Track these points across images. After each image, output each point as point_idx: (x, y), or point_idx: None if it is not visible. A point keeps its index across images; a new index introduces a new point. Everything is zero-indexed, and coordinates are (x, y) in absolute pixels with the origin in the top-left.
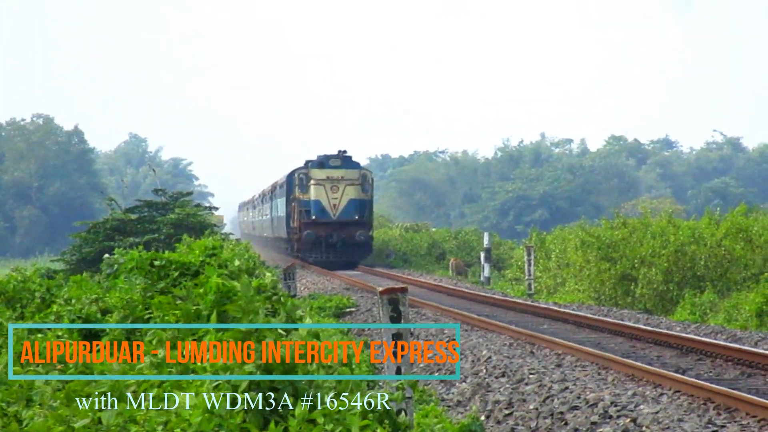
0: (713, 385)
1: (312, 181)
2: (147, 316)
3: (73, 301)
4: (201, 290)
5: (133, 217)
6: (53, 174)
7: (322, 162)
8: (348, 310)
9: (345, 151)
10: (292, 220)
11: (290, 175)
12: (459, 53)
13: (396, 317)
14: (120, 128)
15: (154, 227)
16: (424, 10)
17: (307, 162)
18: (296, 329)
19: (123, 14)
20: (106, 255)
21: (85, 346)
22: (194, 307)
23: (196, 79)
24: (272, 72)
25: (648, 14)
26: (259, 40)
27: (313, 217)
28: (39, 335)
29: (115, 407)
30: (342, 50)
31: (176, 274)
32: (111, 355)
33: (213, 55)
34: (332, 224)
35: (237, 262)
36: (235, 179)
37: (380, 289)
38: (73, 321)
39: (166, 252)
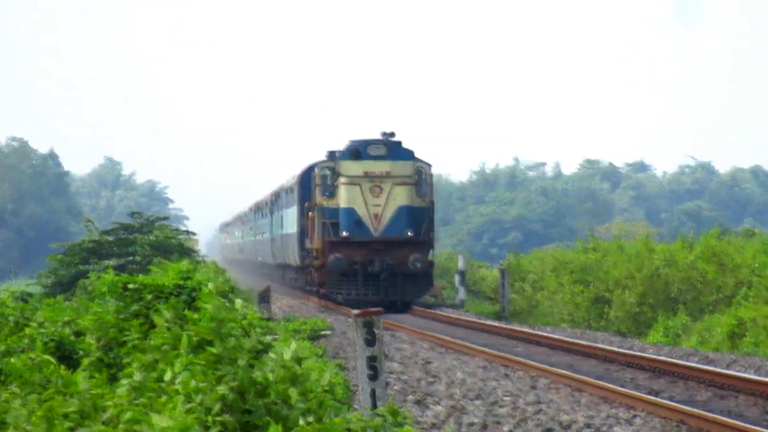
0: (686, 407)
1: (342, 180)
2: (123, 339)
3: (47, 324)
4: (196, 316)
5: (110, 239)
6: (28, 197)
7: (358, 151)
8: (323, 333)
9: (393, 134)
10: (309, 239)
11: (306, 173)
12: (434, 77)
13: (371, 340)
14: (95, 152)
15: (131, 250)
16: (399, 33)
17: (332, 153)
18: (273, 353)
19: (97, 38)
20: (81, 280)
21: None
22: (185, 333)
23: (174, 103)
24: (248, 98)
25: (622, 41)
26: (236, 61)
27: (344, 234)
28: (12, 359)
29: (91, 429)
30: (317, 73)
31: (150, 296)
32: (89, 377)
33: (188, 77)
34: (373, 244)
35: (210, 285)
36: (211, 203)
37: (355, 312)
38: (46, 344)
39: (140, 275)
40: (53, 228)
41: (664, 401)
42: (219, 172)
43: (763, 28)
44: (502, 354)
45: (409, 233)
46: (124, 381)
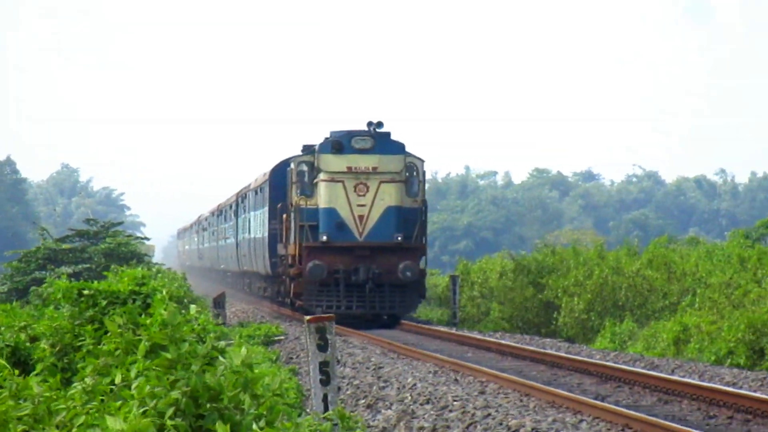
0: (631, 412)
1: (322, 176)
2: (78, 344)
3: (2, 329)
4: (149, 321)
5: (65, 246)
6: None
7: (340, 143)
8: (276, 338)
9: (381, 124)
10: (282, 244)
11: (278, 170)
12: (388, 87)
13: (323, 345)
14: (52, 158)
15: (86, 256)
16: (346, 47)
17: (308, 147)
18: (226, 358)
19: (52, 43)
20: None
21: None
22: (136, 337)
23: (131, 111)
24: (212, 96)
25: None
26: (197, 66)
27: (324, 238)
28: None
29: None
30: (274, 84)
31: (104, 303)
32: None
33: (146, 85)
34: (358, 250)
35: (164, 291)
36: (170, 209)
37: (307, 318)
38: (1, 349)
39: (95, 282)
40: (10, 234)
41: (609, 406)
42: (179, 177)
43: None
44: (452, 359)
45: (398, 238)
46: (76, 386)
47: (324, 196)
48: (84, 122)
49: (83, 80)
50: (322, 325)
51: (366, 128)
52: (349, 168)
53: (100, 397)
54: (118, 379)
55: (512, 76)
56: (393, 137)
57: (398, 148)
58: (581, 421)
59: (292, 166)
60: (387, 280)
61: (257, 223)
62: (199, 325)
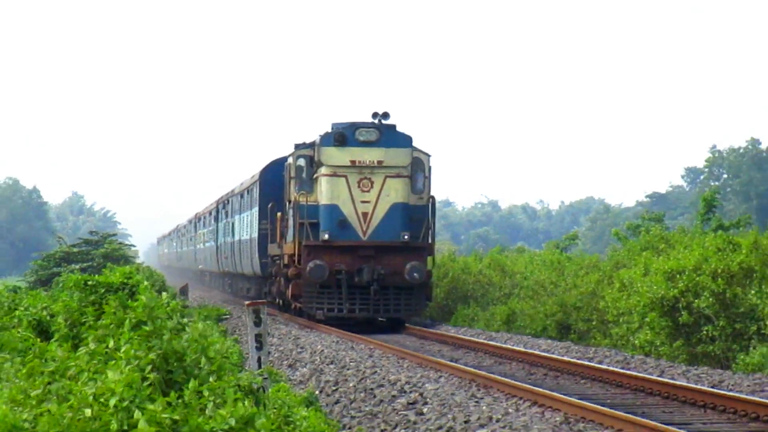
0: (475, 370)
1: (323, 170)
2: (83, 320)
3: (30, 308)
4: (135, 304)
5: (75, 250)
6: (19, 220)
7: (343, 135)
8: (224, 317)
9: (387, 115)
10: (276, 244)
11: (269, 171)
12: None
13: (258, 322)
14: (65, 186)
15: (90, 257)
16: (333, 49)
17: (298, 146)
18: (188, 330)
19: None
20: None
21: (39, 340)
22: (125, 315)
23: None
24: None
25: (419, 88)
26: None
27: (326, 237)
28: (5, 333)
29: (61, 382)
30: (256, 92)
31: (103, 290)
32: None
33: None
34: (361, 249)
35: (145, 282)
36: (150, 224)
37: (247, 302)
38: (29, 322)
39: (96, 275)
40: (35, 242)
41: (460, 366)
42: (160, 197)
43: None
44: (349, 334)
45: (405, 237)
46: (82, 349)
47: (325, 192)
48: (88, 157)
49: (84, 103)
50: (258, 308)
51: (370, 120)
52: (353, 162)
53: (99, 358)
54: (111, 345)
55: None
56: (399, 129)
57: (405, 141)
58: (440, 377)
59: (291, 160)
60: (393, 281)
61: (243, 225)
62: (169, 307)
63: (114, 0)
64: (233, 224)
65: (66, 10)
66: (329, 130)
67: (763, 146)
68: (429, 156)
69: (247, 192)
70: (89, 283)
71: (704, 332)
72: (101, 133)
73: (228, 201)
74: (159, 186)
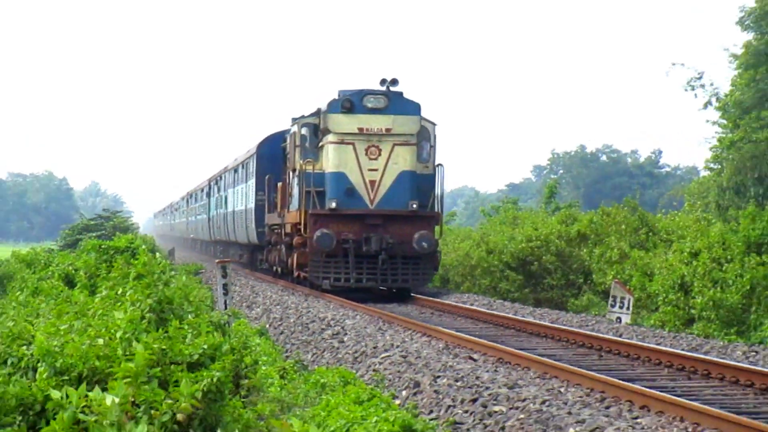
0: (381, 310)
1: (330, 138)
2: (98, 273)
3: (60, 264)
4: (136, 262)
5: (93, 223)
6: (52, 200)
7: (351, 102)
8: (201, 271)
9: (395, 81)
10: (276, 213)
11: (267, 144)
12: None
13: (225, 274)
14: (86, 175)
15: (103, 228)
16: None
17: (295, 120)
18: (174, 281)
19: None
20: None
21: (65, 288)
22: (129, 270)
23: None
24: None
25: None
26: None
27: (333, 205)
28: (43, 282)
29: (83, 319)
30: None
31: (112, 252)
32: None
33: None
34: (369, 218)
35: (143, 246)
36: (149, 201)
37: (217, 260)
38: (60, 275)
39: (108, 241)
40: (64, 216)
41: (370, 307)
42: (159, 179)
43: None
44: (291, 284)
45: (413, 205)
46: (98, 295)
47: (333, 160)
48: (103, 149)
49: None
50: (225, 265)
51: (378, 86)
52: (361, 129)
53: (109, 301)
54: (119, 292)
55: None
56: (406, 96)
57: (414, 109)
58: (357, 315)
59: (295, 129)
60: (401, 251)
61: (237, 197)
62: (160, 264)
63: None
64: (226, 197)
65: None
66: (336, 97)
67: (588, 150)
68: (435, 125)
69: (242, 166)
70: (102, 246)
71: (546, 282)
72: (115, 128)
73: (221, 177)
74: (157, 172)
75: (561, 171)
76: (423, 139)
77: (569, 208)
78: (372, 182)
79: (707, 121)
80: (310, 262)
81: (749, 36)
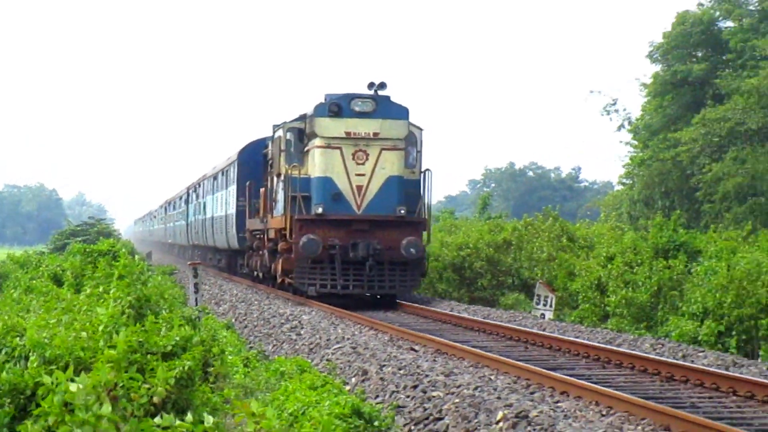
0: (334, 307)
1: (317, 142)
2: (83, 273)
3: (49, 265)
4: (117, 264)
5: (79, 228)
6: (43, 209)
7: (338, 105)
8: (174, 272)
9: (383, 85)
10: (258, 218)
11: (248, 150)
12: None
13: (195, 274)
14: (73, 187)
15: (88, 233)
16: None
17: (276, 126)
18: (151, 280)
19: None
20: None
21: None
22: (111, 271)
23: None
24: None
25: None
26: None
27: (319, 210)
28: (35, 281)
29: (69, 314)
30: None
31: (96, 254)
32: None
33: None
34: (356, 224)
35: (123, 249)
36: (130, 210)
37: (189, 263)
38: (49, 274)
39: (92, 245)
40: (54, 223)
41: (324, 304)
42: (141, 189)
43: None
44: (252, 283)
45: (401, 211)
46: (83, 293)
47: (319, 164)
48: (89, 161)
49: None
50: (196, 267)
51: (366, 90)
52: (348, 133)
53: (93, 299)
54: (102, 290)
55: None
56: (394, 100)
57: (402, 113)
58: (312, 311)
59: (280, 133)
60: (389, 257)
61: (217, 203)
62: (139, 265)
63: None
64: (204, 204)
65: None
66: (323, 101)
67: (516, 166)
68: (421, 130)
69: (222, 173)
70: (87, 250)
71: (479, 283)
72: (103, 138)
73: (199, 185)
74: (139, 183)
75: (493, 185)
76: (410, 144)
77: (498, 218)
78: (359, 187)
79: (621, 141)
80: (295, 269)
81: (657, 68)
